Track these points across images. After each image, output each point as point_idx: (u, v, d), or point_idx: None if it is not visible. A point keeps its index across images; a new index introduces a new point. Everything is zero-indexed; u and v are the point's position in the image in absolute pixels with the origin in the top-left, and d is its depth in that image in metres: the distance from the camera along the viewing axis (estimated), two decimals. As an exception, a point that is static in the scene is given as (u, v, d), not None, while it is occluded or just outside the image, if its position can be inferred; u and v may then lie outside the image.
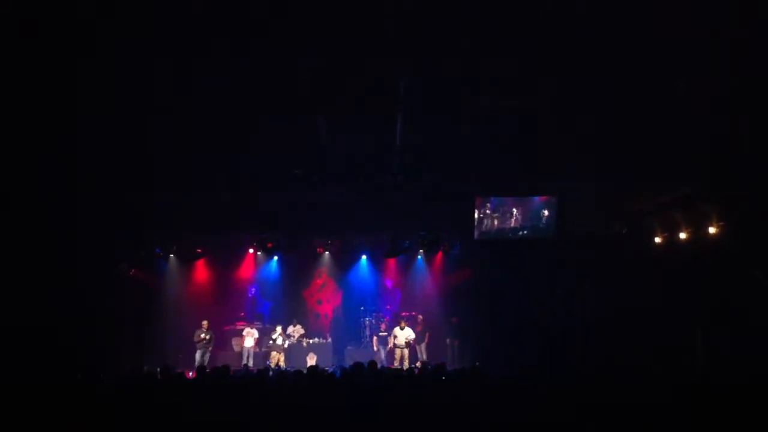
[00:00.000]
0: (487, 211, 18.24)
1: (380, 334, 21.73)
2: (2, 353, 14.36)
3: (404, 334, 20.31)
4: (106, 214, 17.07)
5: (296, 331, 21.54)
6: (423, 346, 21.32)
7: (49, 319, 16.09)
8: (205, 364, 19.26)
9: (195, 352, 20.16)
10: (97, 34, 10.59)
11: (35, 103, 12.23)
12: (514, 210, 18.21)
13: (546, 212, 17.99)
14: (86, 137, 13.76)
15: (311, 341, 21.69)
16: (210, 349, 20.41)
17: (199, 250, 21.74)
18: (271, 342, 20.68)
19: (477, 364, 19.66)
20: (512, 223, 18.21)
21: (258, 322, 22.53)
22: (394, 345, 20.47)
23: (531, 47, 11.00)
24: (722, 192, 14.43)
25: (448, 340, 22.03)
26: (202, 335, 20.26)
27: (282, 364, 19.85)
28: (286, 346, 20.79)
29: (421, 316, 21.86)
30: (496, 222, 18.24)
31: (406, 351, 20.27)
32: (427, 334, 21.50)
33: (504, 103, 12.92)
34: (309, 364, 19.52)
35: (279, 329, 20.87)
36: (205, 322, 20.47)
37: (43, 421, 8.64)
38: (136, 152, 14.61)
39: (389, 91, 12.54)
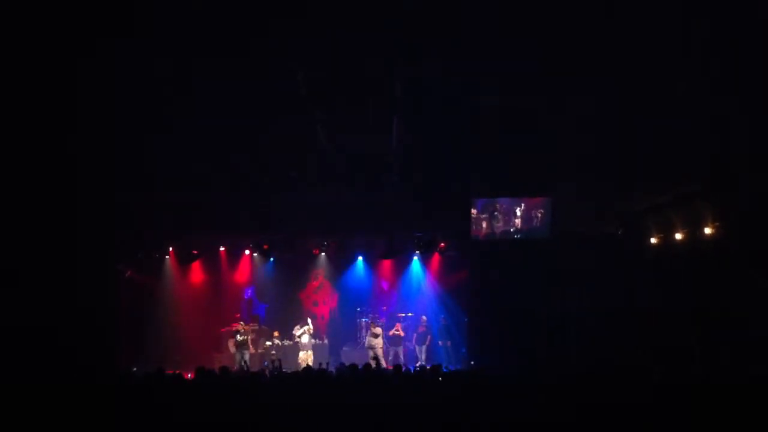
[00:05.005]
0: (483, 213, 18.25)
1: (394, 332, 21.67)
2: (2, 353, 14.34)
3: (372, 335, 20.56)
4: (104, 215, 17.09)
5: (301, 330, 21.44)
6: (423, 347, 21.30)
7: (48, 319, 16.09)
8: (247, 365, 19.39)
9: (192, 353, 20.08)
10: (97, 34, 10.61)
11: (36, 103, 12.24)
12: (510, 211, 18.23)
13: (541, 213, 18.01)
14: (86, 137, 13.77)
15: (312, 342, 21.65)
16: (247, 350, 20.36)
17: (195, 252, 21.67)
18: (297, 341, 20.82)
19: (472, 363, 19.81)
20: (508, 224, 18.22)
21: (253, 324, 22.48)
22: (371, 346, 20.54)
23: (531, 47, 11.05)
24: (719, 192, 14.47)
25: (440, 342, 22.03)
26: (240, 338, 20.24)
27: (311, 362, 19.72)
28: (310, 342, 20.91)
29: (424, 317, 21.85)
30: (492, 223, 18.25)
31: (380, 351, 20.40)
32: (428, 336, 21.52)
33: (503, 103, 12.97)
34: (301, 363, 19.62)
35: (306, 327, 20.93)
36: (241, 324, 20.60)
37: (42, 421, 8.63)
38: (136, 153, 14.63)
39: (387, 91, 12.58)
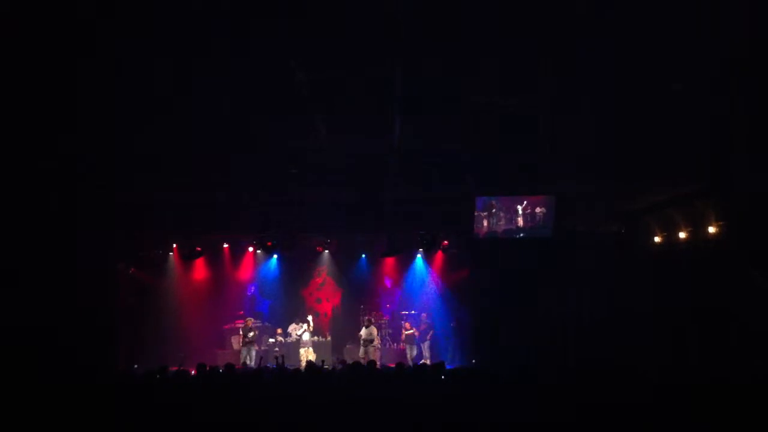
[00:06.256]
0: (485, 212, 18.24)
1: (406, 333, 21.65)
2: (2, 353, 14.38)
3: (367, 333, 20.43)
4: (106, 214, 17.11)
5: (298, 328, 21.51)
6: (426, 344, 21.31)
7: (48, 319, 16.12)
8: (252, 361, 19.57)
9: (195, 350, 20.11)
10: (97, 34, 10.60)
11: (35, 103, 12.24)
12: (511, 209, 18.20)
13: (543, 212, 17.98)
14: (86, 137, 13.78)
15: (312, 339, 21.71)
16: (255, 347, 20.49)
17: (199, 249, 21.71)
18: (296, 338, 20.90)
19: (473, 361, 19.84)
20: (510, 223, 18.20)
21: (257, 321, 22.52)
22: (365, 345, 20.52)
23: (531, 47, 11.02)
24: (721, 191, 14.44)
25: (447, 339, 22.08)
26: (251, 334, 20.35)
27: (312, 358, 19.75)
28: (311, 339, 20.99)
29: (425, 314, 21.87)
30: (494, 222, 18.24)
31: (371, 349, 20.32)
32: (430, 333, 21.53)
33: (503, 103, 12.94)
34: (302, 360, 19.69)
35: (305, 326, 21.02)
36: (249, 320, 20.78)
37: (42, 421, 8.66)
38: (136, 152, 14.63)
39: (388, 90, 12.56)
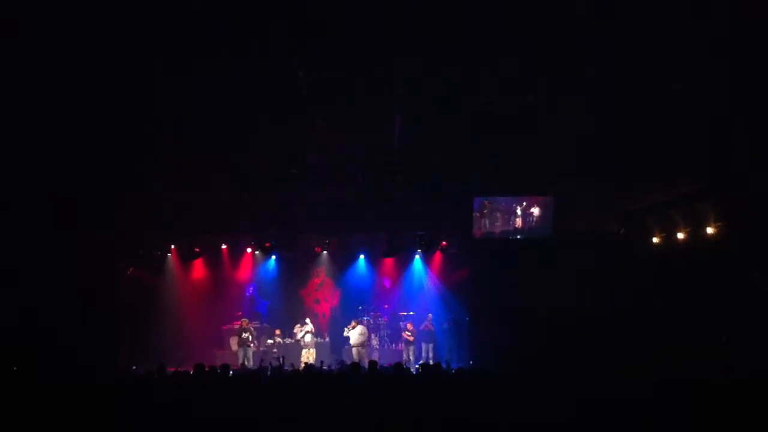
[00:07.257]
0: (485, 212, 18.23)
1: (407, 333, 21.57)
2: (2, 353, 14.38)
3: (356, 333, 20.34)
4: (105, 214, 17.12)
5: (302, 330, 21.44)
6: (430, 345, 21.21)
7: (48, 319, 16.11)
8: (250, 362, 19.53)
9: (194, 351, 20.10)
10: (97, 34, 10.61)
11: (36, 103, 12.24)
12: (509, 210, 18.20)
13: (542, 212, 17.97)
14: (86, 137, 13.77)
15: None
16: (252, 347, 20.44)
17: (197, 249, 21.68)
18: (298, 339, 20.86)
19: (471, 362, 19.80)
20: (507, 223, 18.19)
21: (255, 321, 22.47)
22: (351, 345, 20.43)
23: (531, 47, 11.04)
24: (719, 192, 14.45)
25: (445, 339, 22.04)
26: (244, 335, 20.31)
27: (312, 360, 19.69)
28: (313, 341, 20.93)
29: (430, 315, 21.77)
30: (493, 222, 18.23)
31: (362, 350, 20.27)
32: (434, 334, 21.45)
33: (503, 103, 12.97)
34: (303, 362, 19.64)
35: (306, 327, 20.95)
36: (244, 320, 20.73)
37: (42, 421, 8.65)
38: (136, 152, 14.63)
39: (388, 90, 12.58)
